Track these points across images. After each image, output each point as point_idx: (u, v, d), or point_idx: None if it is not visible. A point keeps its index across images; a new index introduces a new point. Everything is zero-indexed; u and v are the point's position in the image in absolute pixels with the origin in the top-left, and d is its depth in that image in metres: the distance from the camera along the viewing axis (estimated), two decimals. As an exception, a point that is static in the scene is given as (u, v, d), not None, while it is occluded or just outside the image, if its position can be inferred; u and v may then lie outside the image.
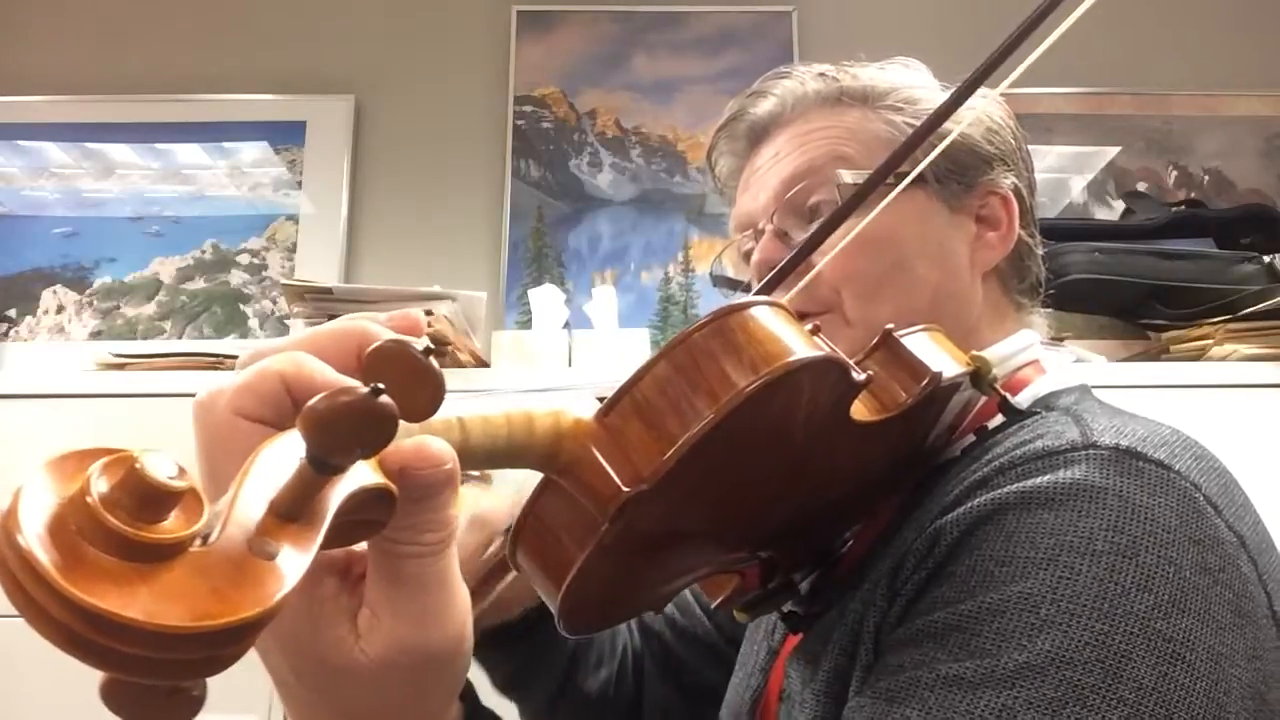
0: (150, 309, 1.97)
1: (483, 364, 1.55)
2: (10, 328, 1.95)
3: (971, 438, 0.61)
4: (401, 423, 0.30)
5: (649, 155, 2.08)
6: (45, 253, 2.00)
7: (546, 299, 1.66)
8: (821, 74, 0.74)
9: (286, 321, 1.92)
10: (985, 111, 0.72)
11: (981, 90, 0.74)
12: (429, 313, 1.45)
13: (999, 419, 0.60)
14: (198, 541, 0.26)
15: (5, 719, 1.34)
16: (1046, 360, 0.68)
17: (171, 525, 0.26)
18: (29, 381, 1.47)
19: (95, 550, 0.24)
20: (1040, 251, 0.75)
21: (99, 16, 2.12)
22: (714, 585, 0.57)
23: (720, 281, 0.81)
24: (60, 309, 1.97)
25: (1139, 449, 0.50)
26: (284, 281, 1.65)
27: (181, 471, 0.26)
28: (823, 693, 0.55)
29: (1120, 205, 1.95)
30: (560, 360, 1.57)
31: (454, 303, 1.51)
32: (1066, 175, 2.07)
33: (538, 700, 0.78)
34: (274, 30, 2.11)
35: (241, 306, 1.98)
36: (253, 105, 2.05)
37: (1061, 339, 1.53)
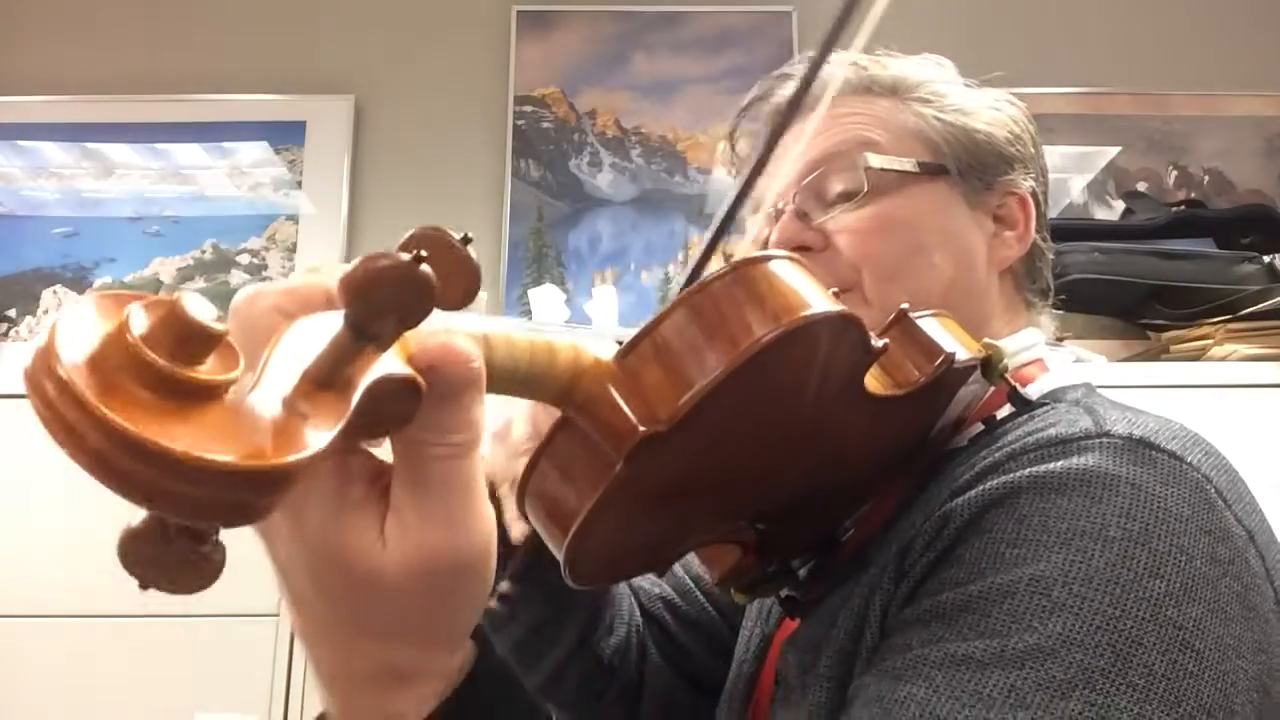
0: (150, 309, 1.97)
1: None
2: (10, 328, 1.95)
3: (979, 427, 0.61)
4: (429, 324, 0.30)
5: (649, 155, 2.08)
6: (45, 253, 2.00)
7: (546, 299, 1.66)
8: (852, 62, 0.74)
9: (286, 321, 1.93)
10: (1010, 116, 0.74)
11: (1010, 97, 0.75)
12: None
13: (1007, 409, 0.61)
14: (232, 390, 0.27)
15: (5, 719, 1.34)
16: (1050, 359, 0.69)
17: (209, 369, 0.26)
18: (29, 381, 1.47)
19: (134, 384, 0.24)
20: (1051, 258, 0.76)
21: (98, 16, 2.11)
22: (716, 557, 0.57)
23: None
24: (60, 309, 1.97)
25: (1152, 439, 0.50)
26: (284, 281, 1.66)
27: (220, 317, 0.26)
28: (826, 677, 0.55)
29: (1120, 205, 1.95)
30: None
31: (454, 303, 1.51)
32: (1066, 175, 2.07)
33: (558, 656, 0.75)
34: (274, 30, 2.11)
35: (241, 306, 1.98)
36: (253, 105, 2.05)
37: (1061, 339, 1.53)
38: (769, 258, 0.42)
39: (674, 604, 0.85)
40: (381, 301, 0.28)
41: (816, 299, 0.41)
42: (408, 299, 0.28)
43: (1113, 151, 2.07)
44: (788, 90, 0.75)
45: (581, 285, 1.98)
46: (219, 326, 0.26)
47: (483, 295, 1.57)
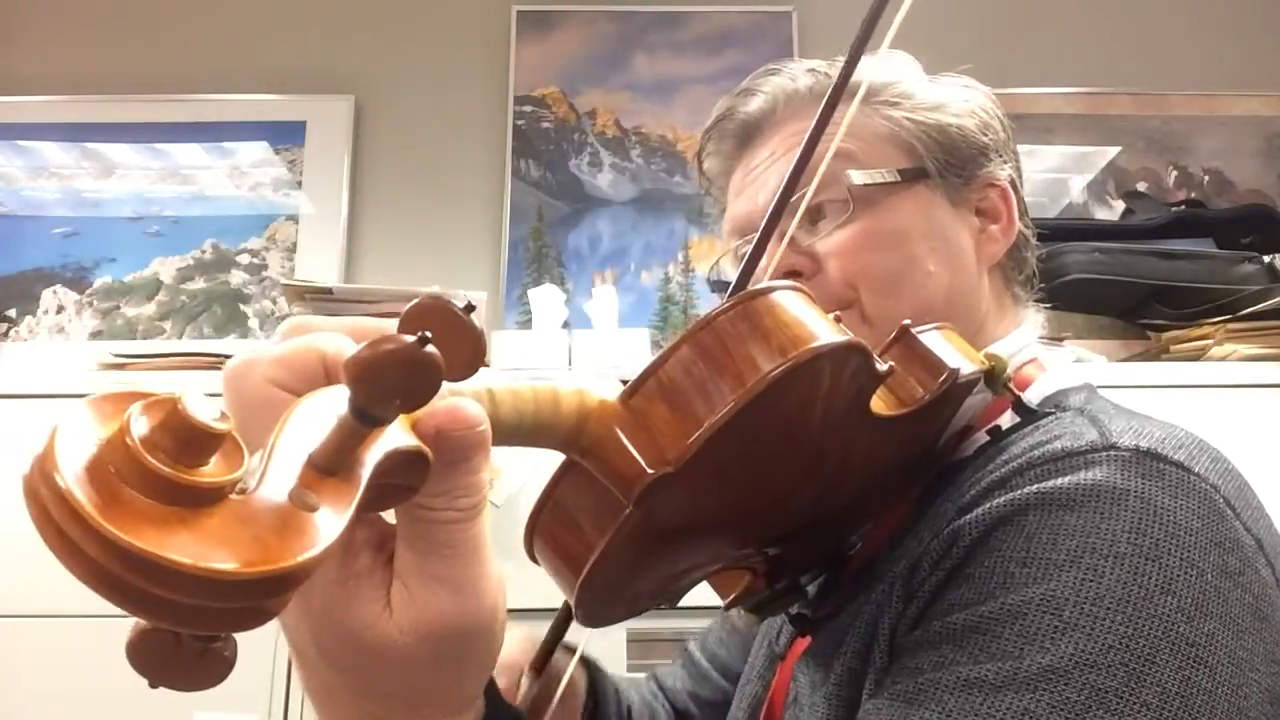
0: (150, 309, 1.97)
1: (483, 364, 1.55)
2: (10, 328, 1.95)
3: (985, 437, 0.60)
4: None
5: (649, 155, 2.08)
6: (45, 253, 2.00)
7: (546, 299, 1.66)
8: (811, 70, 0.72)
9: (286, 321, 1.93)
10: (978, 104, 0.72)
11: (971, 82, 0.74)
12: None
13: (1010, 417, 0.60)
14: (237, 489, 0.26)
15: (5, 719, 1.34)
16: (1045, 357, 0.68)
17: (212, 470, 0.25)
18: (29, 381, 1.47)
19: (135, 493, 0.24)
20: (1035, 242, 0.74)
21: (99, 16, 2.11)
22: (726, 582, 0.56)
23: (718, 288, 0.79)
24: (60, 309, 1.97)
25: (1159, 450, 0.50)
26: (284, 281, 1.66)
27: (223, 415, 0.25)
28: (834, 696, 0.55)
29: (1120, 205, 1.95)
30: (560, 360, 1.57)
31: (454, 303, 1.50)
32: (1066, 175, 2.07)
33: None
34: (274, 30, 2.11)
35: (241, 306, 1.98)
36: (253, 105, 2.05)
37: (1061, 339, 1.53)
38: (772, 289, 0.41)
39: (698, 695, 0.85)
40: (388, 387, 0.27)
41: (822, 330, 0.40)
42: (415, 383, 0.28)
43: (1113, 151, 2.07)
44: (752, 106, 0.73)
45: (581, 285, 1.97)
46: (222, 426, 0.25)
47: (483, 296, 1.57)
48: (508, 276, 1.97)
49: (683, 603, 0.59)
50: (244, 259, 2.00)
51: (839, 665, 0.55)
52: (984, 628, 0.46)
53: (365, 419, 0.28)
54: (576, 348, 1.59)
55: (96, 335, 1.95)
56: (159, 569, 0.23)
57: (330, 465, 0.28)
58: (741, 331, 0.40)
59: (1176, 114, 2.08)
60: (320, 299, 1.50)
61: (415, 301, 0.31)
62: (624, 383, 0.40)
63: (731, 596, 0.56)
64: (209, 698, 1.46)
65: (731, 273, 0.77)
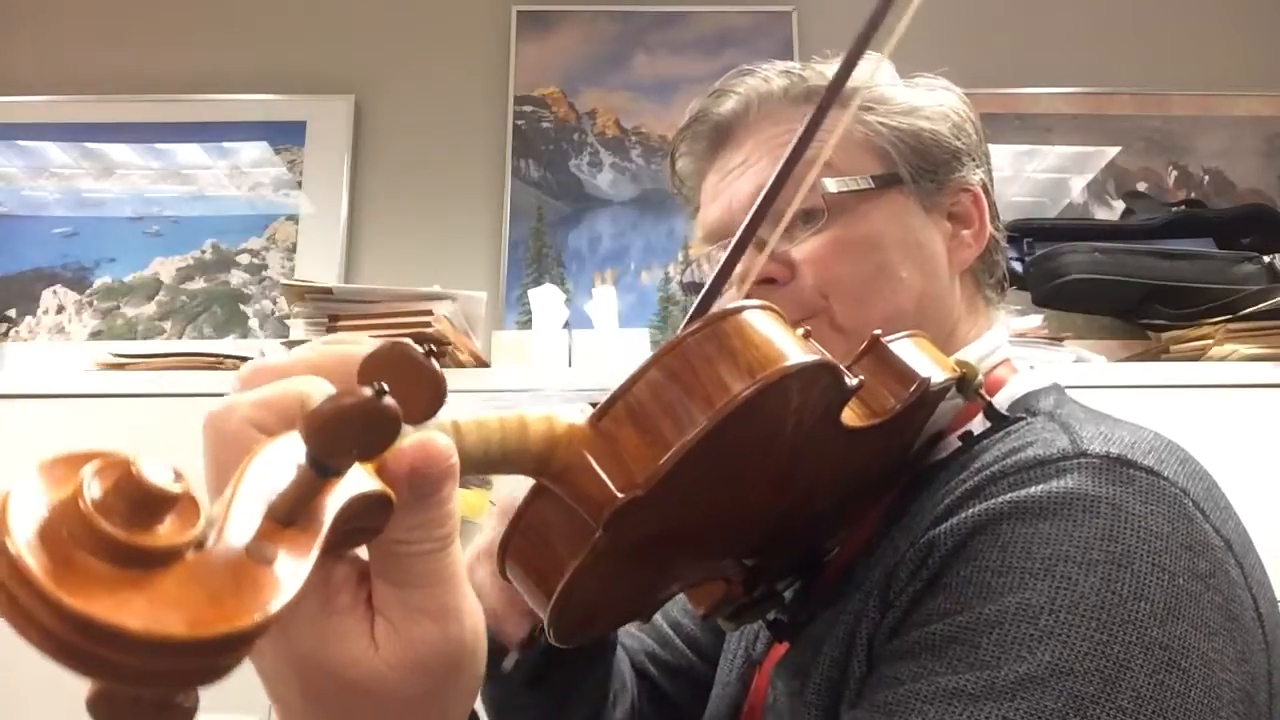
0: (150, 309, 1.97)
1: (483, 364, 1.54)
2: (10, 328, 1.95)
3: (956, 442, 0.60)
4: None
5: (649, 155, 2.08)
6: (45, 253, 2.00)
7: (546, 299, 1.66)
8: (786, 71, 0.72)
9: (287, 321, 1.92)
10: (951, 107, 0.71)
11: (944, 83, 0.73)
12: (428, 313, 1.45)
13: (981, 422, 0.60)
14: (194, 547, 0.26)
15: (5, 719, 1.34)
16: (1016, 359, 0.68)
17: (167, 531, 0.25)
18: (29, 381, 1.47)
19: (88, 556, 0.24)
20: (1006, 246, 0.75)
21: (99, 16, 2.11)
22: (700, 593, 0.56)
23: (691, 289, 0.78)
24: (60, 309, 1.97)
25: (1129, 456, 0.51)
26: (284, 281, 1.66)
27: (178, 475, 0.25)
28: (813, 704, 0.55)
29: (1120, 205, 1.95)
30: (560, 360, 1.56)
31: (454, 303, 1.50)
32: (1066, 175, 2.07)
33: None
34: (274, 30, 2.11)
35: (241, 306, 1.98)
36: (253, 105, 2.05)
37: (1061, 339, 1.53)
38: (740, 309, 0.41)
39: (657, 656, 0.84)
40: (345, 441, 0.27)
41: (791, 349, 0.40)
42: (371, 435, 0.28)
43: (1113, 151, 2.07)
44: (725, 107, 0.73)
45: (581, 285, 1.98)
46: (176, 488, 0.25)
47: (483, 295, 1.57)
48: (508, 276, 1.97)
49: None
50: (244, 259, 2.00)
51: (817, 674, 0.56)
52: (962, 638, 0.47)
53: (323, 471, 0.28)
54: (576, 348, 1.59)
55: (96, 335, 1.95)
56: (111, 635, 0.23)
57: (289, 516, 0.28)
58: (709, 353, 0.39)
59: (1176, 114, 2.08)
60: (320, 299, 1.50)
61: (374, 349, 0.31)
62: (593, 406, 0.40)
63: (705, 608, 0.55)
64: (209, 698, 1.45)
65: (709, 276, 0.76)
